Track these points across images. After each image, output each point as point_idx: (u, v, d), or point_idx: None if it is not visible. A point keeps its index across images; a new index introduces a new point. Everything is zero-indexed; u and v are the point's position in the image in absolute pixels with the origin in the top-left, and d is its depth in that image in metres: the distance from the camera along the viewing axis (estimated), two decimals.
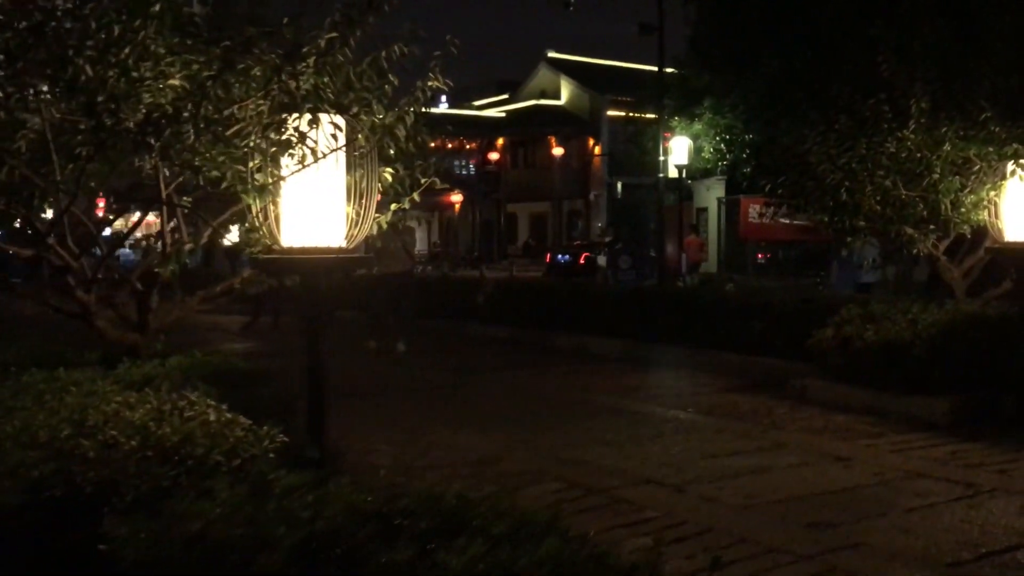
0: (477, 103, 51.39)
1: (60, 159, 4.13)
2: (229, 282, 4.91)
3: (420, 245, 46.61)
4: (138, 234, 5.52)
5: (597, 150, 44.21)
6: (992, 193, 7.48)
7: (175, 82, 3.78)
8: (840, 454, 6.17)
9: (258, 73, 3.82)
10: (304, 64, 3.94)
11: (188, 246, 4.66)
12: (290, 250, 4.16)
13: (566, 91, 46.66)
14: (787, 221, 18.33)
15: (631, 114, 32.06)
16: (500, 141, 47.04)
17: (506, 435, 6.84)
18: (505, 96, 50.24)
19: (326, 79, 4.01)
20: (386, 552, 2.49)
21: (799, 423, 7.22)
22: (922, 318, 7.57)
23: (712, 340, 10.22)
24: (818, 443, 6.52)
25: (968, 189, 7.90)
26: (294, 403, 4.40)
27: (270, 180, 3.95)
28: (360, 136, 4.19)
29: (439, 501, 2.78)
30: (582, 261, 28.65)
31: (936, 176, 7.92)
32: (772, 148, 10.58)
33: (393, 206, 4.68)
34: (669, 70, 21.29)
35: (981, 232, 8.11)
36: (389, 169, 4.51)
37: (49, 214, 4.75)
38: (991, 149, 7.57)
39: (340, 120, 4.07)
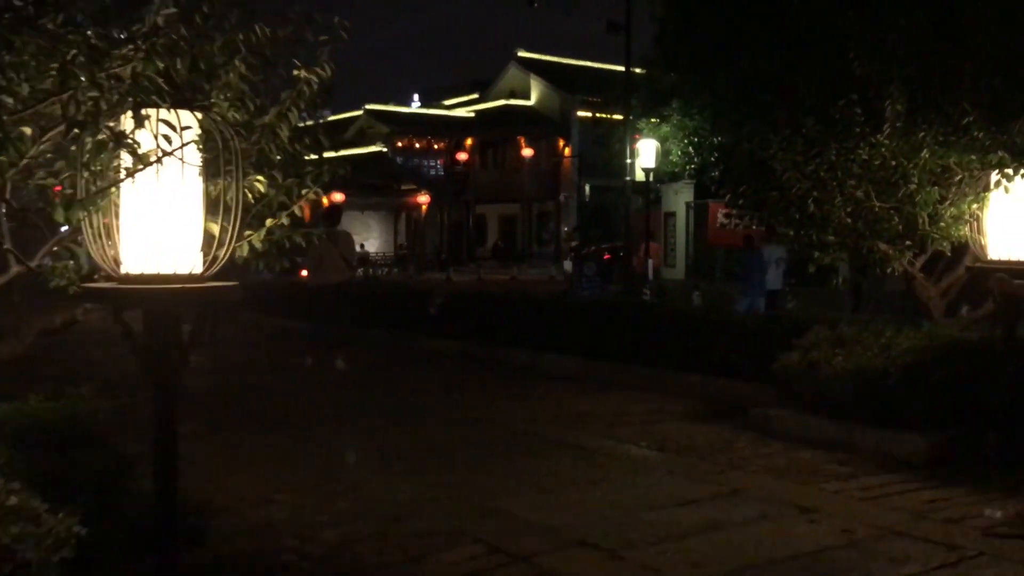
0: (448, 102, 50.58)
1: None
2: (72, 314, 4.08)
3: (386, 248, 45.96)
4: None
5: (567, 151, 43.57)
6: (974, 206, 6.70)
7: None
8: (805, 503, 5.44)
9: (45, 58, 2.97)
10: (130, 48, 3.11)
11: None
12: (127, 277, 3.35)
13: (536, 91, 45.99)
14: (755, 227, 17.69)
15: (601, 115, 31.34)
16: (469, 141, 46.27)
17: (433, 477, 6.08)
18: (475, 96, 49.48)
19: (162, 66, 3.19)
20: None
21: (761, 461, 6.50)
22: (896, 343, 6.87)
23: (672, 359, 9.60)
24: (780, 489, 5.79)
25: (948, 201, 7.17)
26: (131, 469, 3.57)
27: (86, 192, 3.12)
28: (219, 137, 3.38)
29: None
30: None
31: (913, 186, 7.18)
32: (737, 153, 9.82)
33: (268, 222, 3.86)
34: (637, 70, 20.54)
35: (961, 248, 7.39)
36: (260, 177, 3.71)
37: None
38: (973, 157, 6.84)
39: (188, 116, 3.27)
